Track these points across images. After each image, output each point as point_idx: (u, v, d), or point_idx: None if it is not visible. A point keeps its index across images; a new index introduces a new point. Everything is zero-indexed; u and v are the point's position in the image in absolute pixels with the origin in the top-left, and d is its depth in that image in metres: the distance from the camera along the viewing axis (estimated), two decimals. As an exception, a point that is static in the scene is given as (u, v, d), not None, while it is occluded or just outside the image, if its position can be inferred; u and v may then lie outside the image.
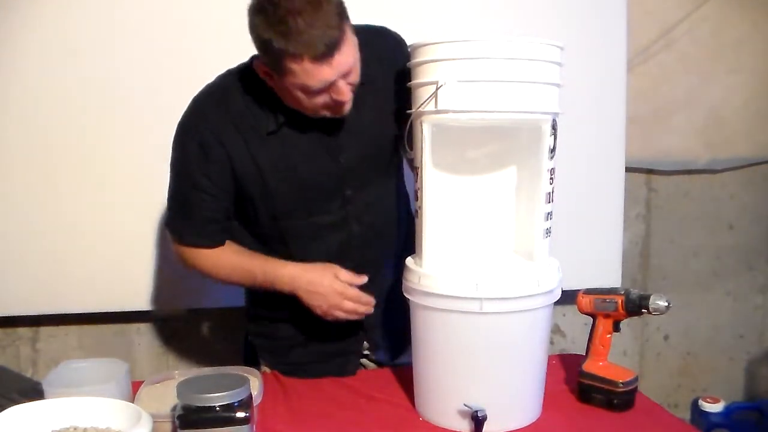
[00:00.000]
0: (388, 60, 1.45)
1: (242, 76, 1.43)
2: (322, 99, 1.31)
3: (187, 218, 1.48)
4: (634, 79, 2.29)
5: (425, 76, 1.27)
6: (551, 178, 1.32)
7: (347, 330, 1.55)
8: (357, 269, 1.46)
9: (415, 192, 1.35)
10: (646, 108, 2.35)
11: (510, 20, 2.13)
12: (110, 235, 2.04)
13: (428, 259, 1.33)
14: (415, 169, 1.34)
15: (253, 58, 1.37)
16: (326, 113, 1.36)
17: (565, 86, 1.30)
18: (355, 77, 1.32)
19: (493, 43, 1.23)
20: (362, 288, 1.45)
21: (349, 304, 1.42)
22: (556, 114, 1.29)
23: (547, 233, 1.34)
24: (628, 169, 2.31)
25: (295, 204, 1.46)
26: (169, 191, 1.50)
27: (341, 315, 1.43)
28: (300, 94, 1.30)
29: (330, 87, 1.28)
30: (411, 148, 1.34)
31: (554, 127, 1.29)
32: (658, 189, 2.48)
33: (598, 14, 2.16)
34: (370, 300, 1.44)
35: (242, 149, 1.41)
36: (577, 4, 2.15)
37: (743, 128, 2.42)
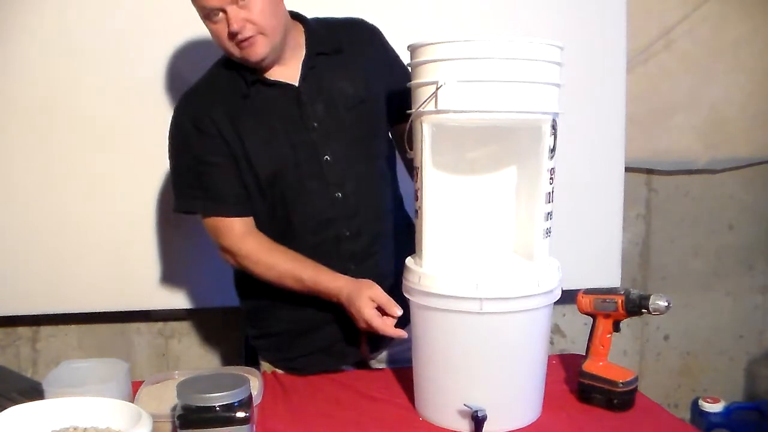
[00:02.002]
0: (361, 41, 1.58)
1: (223, 58, 1.55)
2: (222, 29, 1.42)
3: (204, 191, 1.52)
4: (634, 79, 2.29)
5: (425, 76, 1.27)
6: (551, 178, 1.32)
7: (341, 313, 1.55)
8: (350, 240, 1.53)
9: (415, 192, 1.35)
10: (646, 108, 2.35)
11: (510, 20, 2.13)
12: (110, 235, 2.04)
13: (428, 259, 1.33)
14: (415, 169, 1.34)
15: None
16: (238, 52, 1.45)
17: (565, 86, 1.30)
18: (255, 15, 1.41)
19: (493, 43, 1.23)
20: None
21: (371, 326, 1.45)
22: (556, 114, 1.29)
23: (547, 233, 1.34)
24: (627, 169, 2.31)
25: (275, 167, 1.50)
26: (175, 180, 1.56)
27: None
28: (208, 25, 1.44)
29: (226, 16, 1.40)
30: (411, 148, 1.34)
31: (554, 127, 1.29)
32: (658, 189, 2.49)
33: (598, 14, 2.16)
34: (397, 333, 1.43)
35: (225, 117, 1.49)
36: (577, 4, 2.15)
37: (743, 128, 2.42)
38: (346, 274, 1.53)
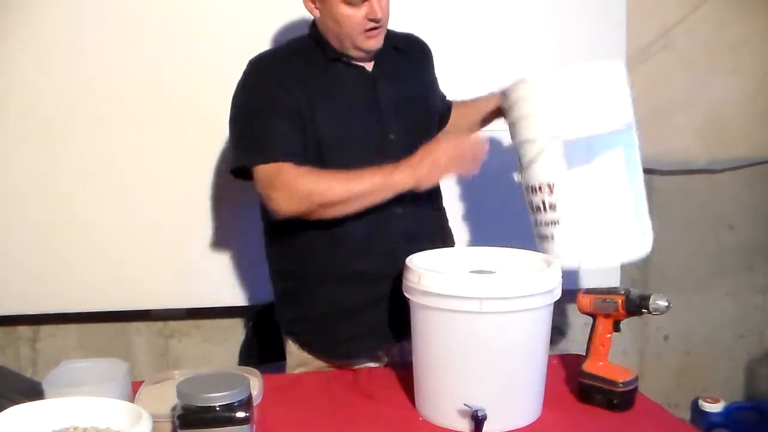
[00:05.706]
0: (421, 51, 1.76)
1: (295, 38, 1.67)
2: (359, 14, 1.49)
3: (269, 138, 1.52)
4: (634, 79, 2.28)
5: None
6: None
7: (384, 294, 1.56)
8: (400, 219, 1.58)
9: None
10: (646, 108, 2.34)
11: (510, 20, 2.13)
12: (110, 235, 2.04)
13: (428, 258, 1.33)
14: None
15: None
16: (363, 40, 1.53)
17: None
18: (387, 6, 1.52)
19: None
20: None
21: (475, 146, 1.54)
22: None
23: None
24: (628, 169, 2.30)
25: (343, 135, 1.56)
26: (237, 136, 1.57)
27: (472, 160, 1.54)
28: (343, 9, 1.49)
29: (368, 2, 1.48)
30: None
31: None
32: (658, 189, 2.48)
33: (598, 14, 2.16)
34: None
35: (299, 83, 1.55)
36: (577, 4, 2.15)
37: (743, 128, 2.42)
38: (395, 253, 1.51)
